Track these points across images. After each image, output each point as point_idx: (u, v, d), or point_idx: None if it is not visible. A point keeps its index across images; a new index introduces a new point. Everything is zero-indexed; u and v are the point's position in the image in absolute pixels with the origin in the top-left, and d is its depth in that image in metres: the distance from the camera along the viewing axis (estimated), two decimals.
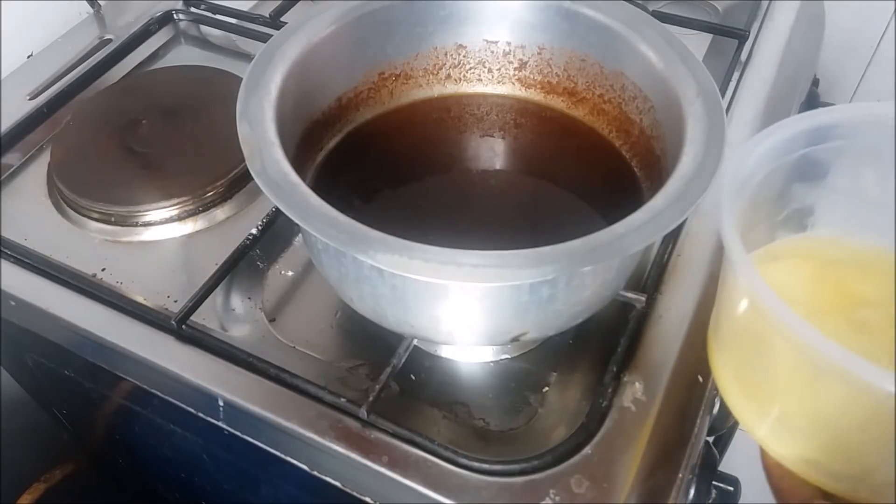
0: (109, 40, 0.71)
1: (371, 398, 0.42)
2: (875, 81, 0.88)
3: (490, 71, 0.53)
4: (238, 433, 0.47)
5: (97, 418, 0.63)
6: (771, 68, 0.65)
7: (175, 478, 0.64)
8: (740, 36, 0.66)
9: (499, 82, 0.53)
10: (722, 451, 0.62)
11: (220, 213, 0.57)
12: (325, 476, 0.46)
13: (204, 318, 0.50)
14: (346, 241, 0.35)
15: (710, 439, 0.51)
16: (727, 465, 0.50)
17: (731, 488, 0.47)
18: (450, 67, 0.52)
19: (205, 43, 0.74)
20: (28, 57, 0.71)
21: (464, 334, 0.42)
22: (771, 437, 0.33)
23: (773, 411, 0.33)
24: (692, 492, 0.45)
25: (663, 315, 0.48)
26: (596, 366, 0.47)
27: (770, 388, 0.33)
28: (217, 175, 0.57)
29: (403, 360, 0.44)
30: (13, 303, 0.51)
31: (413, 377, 0.48)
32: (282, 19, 0.70)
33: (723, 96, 0.60)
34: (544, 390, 0.47)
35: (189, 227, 0.56)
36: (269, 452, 0.47)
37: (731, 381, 0.35)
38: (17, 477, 0.71)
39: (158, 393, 0.49)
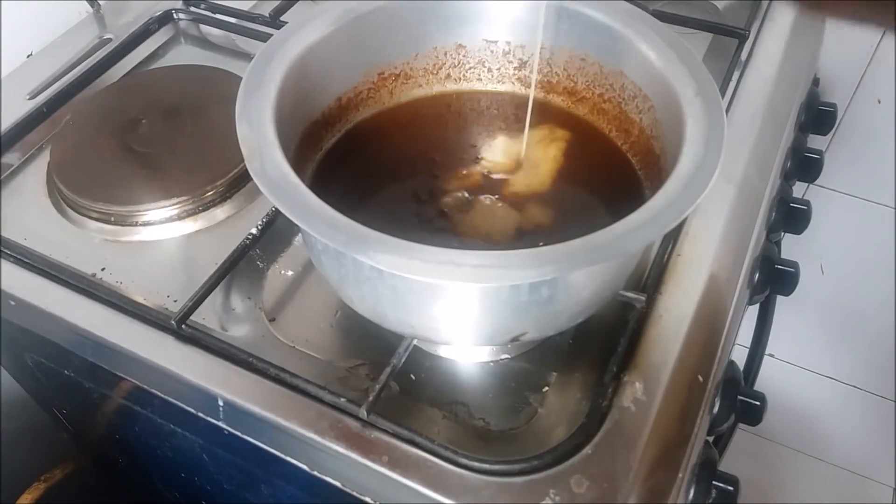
0: (109, 40, 0.71)
1: (371, 398, 0.42)
2: (875, 81, 0.88)
3: (490, 70, 0.53)
4: (238, 433, 0.47)
5: (97, 418, 0.63)
6: (771, 68, 0.65)
7: (175, 478, 0.64)
8: (740, 36, 0.66)
9: (499, 82, 0.53)
10: (722, 451, 0.62)
11: (219, 212, 0.57)
12: (325, 476, 0.46)
13: (204, 318, 0.50)
14: (345, 242, 0.35)
15: (710, 439, 0.51)
16: (727, 465, 0.50)
17: (731, 488, 0.47)
18: (449, 67, 0.52)
19: (205, 42, 0.74)
20: (28, 57, 0.71)
21: (464, 334, 0.42)
22: None
23: None
24: (692, 492, 0.45)
25: (663, 315, 0.48)
26: (596, 366, 0.47)
27: None
28: (217, 175, 0.57)
29: (403, 360, 0.44)
30: (13, 303, 0.51)
31: (413, 377, 0.48)
32: (282, 19, 0.70)
33: (723, 96, 0.60)
34: (544, 390, 0.47)
35: (189, 226, 0.56)
36: (269, 452, 0.47)
37: None
38: (17, 477, 0.71)
39: (158, 393, 0.49)
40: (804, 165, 0.69)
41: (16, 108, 0.64)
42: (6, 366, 0.67)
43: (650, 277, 0.49)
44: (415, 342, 0.46)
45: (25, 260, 0.53)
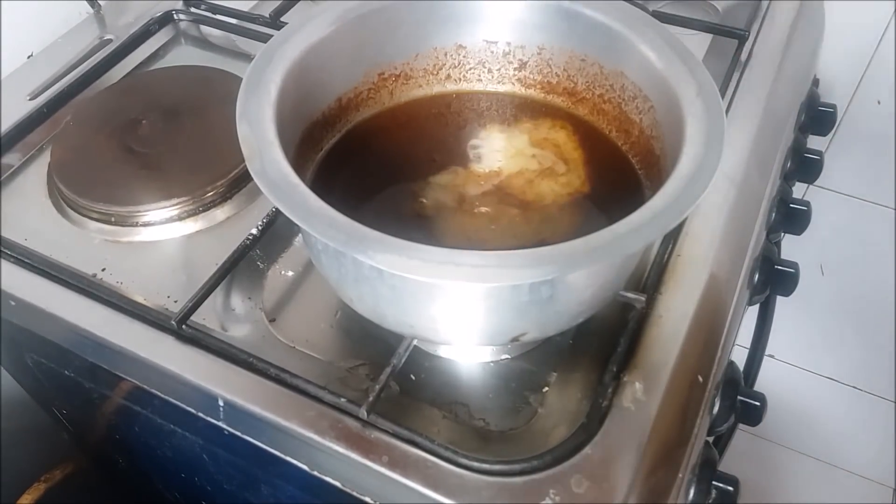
0: (109, 40, 0.71)
1: (371, 398, 0.42)
2: (875, 81, 0.88)
3: (490, 71, 0.53)
4: (238, 433, 0.47)
5: (97, 418, 0.63)
6: (771, 68, 0.65)
7: (175, 478, 0.64)
8: (740, 36, 0.66)
9: (499, 82, 0.53)
10: (722, 451, 0.62)
11: (220, 213, 0.57)
12: (325, 476, 0.46)
13: (204, 318, 0.50)
14: (345, 242, 0.35)
15: (710, 439, 0.51)
16: (727, 465, 0.50)
17: (731, 488, 0.47)
18: (450, 68, 0.52)
19: (205, 43, 0.74)
20: (28, 57, 0.71)
21: (464, 335, 0.42)
22: None
23: None
24: (692, 492, 0.45)
25: (663, 315, 0.48)
26: (596, 366, 0.47)
27: None
28: (217, 175, 0.57)
29: (403, 360, 0.44)
30: (13, 303, 0.52)
31: (413, 377, 0.48)
32: (282, 19, 0.70)
33: (723, 96, 0.60)
34: (544, 390, 0.47)
35: (189, 227, 0.56)
36: (269, 452, 0.47)
37: None
38: (17, 477, 0.71)
39: (158, 393, 0.49)
40: (804, 166, 0.69)
41: (16, 109, 0.64)
42: (6, 366, 0.67)
43: (650, 277, 0.49)
44: (415, 342, 0.46)
45: (25, 260, 0.53)
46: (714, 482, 0.47)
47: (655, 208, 0.36)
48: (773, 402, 0.52)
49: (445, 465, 0.41)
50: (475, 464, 0.41)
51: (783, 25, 0.70)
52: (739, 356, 0.65)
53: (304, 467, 0.46)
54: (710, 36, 0.70)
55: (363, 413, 0.42)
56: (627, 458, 0.41)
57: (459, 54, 0.52)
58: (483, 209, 0.47)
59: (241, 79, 0.42)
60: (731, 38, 0.67)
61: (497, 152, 0.50)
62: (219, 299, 0.52)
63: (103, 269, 0.54)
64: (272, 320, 0.51)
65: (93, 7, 0.75)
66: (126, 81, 0.69)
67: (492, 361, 0.49)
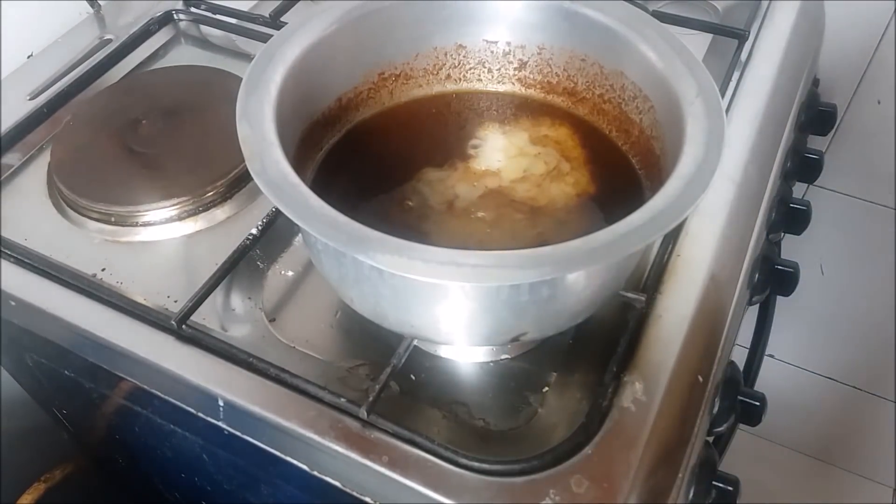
0: (109, 40, 0.71)
1: (371, 398, 0.42)
2: (875, 81, 0.88)
3: (490, 71, 0.53)
4: (238, 433, 0.47)
5: (97, 418, 0.63)
6: (771, 68, 0.65)
7: (175, 478, 0.64)
8: (740, 36, 0.66)
9: (499, 82, 0.53)
10: (722, 451, 0.62)
11: (220, 213, 0.57)
12: (325, 476, 0.46)
13: (204, 318, 0.50)
14: (345, 242, 0.35)
15: (710, 439, 0.51)
16: (727, 465, 0.50)
17: (731, 488, 0.47)
18: (450, 68, 0.52)
19: (205, 43, 0.74)
20: (28, 57, 0.71)
21: (464, 334, 0.42)
22: None
23: None
24: (692, 492, 0.45)
25: (663, 315, 0.48)
26: (596, 366, 0.47)
27: None
28: (217, 175, 0.57)
29: (403, 360, 0.44)
30: (13, 303, 0.52)
31: (413, 377, 0.48)
32: (282, 19, 0.70)
33: (723, 96, 0.60)
34: (544, 390, 0.47)
35: (189, 227, 0.56)
36: (269, 452, 0.47)
37: None
38: (17, 477, 0.71)
39: (158, 393, 0.49)
40: (804, 166, 0.69)
41: (16, 109, 0.64)
42: (6, 366, 0.67)
43: (650, 277, 0.49)
44: (415, 342, 0.46)
45: (25, 260, 0.53)
46: (714, 482, 0.47)
47: (655, 208, 0.36)
48: (773, 402, 0.52)
49: (445, 465, 0.41)
50: (475, 464, 0.41)
51: (783, 25, 0.70)
52: (739, 356, 0.65)
53: (304, 467, 0.46)
54: (710, 36, 0.70)
55: (363, 413, 0.42)
56: (627, 458, 0.41)
57: (459, 54, 0.52)
58: (481, 208, 0.47)
59: (241, 79, 0.42)
60: (731, 38, 0.67)
61: (498, 151, 0.50)
62: (219, 299, 0.52)
63: (103, 269, 0.54)
64: (272, 320, 0.51)
65: (93, 7, 0.75)
66: (126, 81, 0.69)
67: (492, 361, 0.49)
